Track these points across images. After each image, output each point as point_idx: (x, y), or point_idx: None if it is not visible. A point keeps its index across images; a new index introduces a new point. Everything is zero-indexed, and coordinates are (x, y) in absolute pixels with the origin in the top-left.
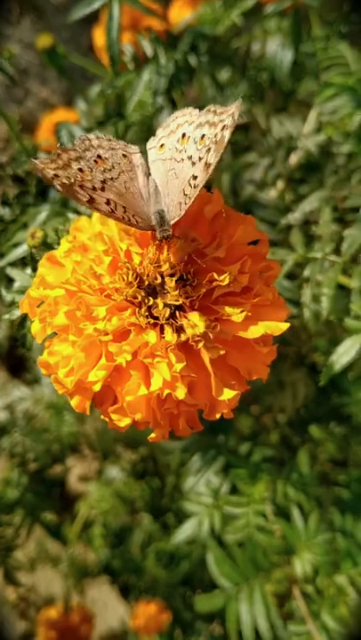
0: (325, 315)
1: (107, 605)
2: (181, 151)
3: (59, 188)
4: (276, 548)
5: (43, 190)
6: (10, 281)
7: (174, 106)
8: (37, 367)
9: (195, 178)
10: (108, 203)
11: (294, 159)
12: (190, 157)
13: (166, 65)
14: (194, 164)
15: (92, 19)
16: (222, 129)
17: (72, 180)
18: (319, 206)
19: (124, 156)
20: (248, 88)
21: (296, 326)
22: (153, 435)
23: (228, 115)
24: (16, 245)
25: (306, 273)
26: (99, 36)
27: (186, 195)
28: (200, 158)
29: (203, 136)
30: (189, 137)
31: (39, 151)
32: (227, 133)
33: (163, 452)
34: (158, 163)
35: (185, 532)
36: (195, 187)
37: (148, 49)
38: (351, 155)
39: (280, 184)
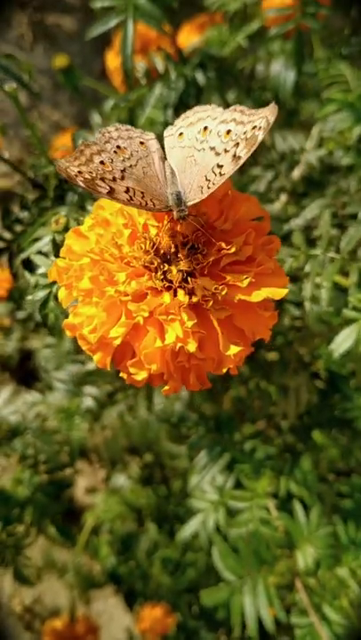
0: (325, 306)
1: (112, 617)
2: (203, 142)
3: (81, 183)
4: (278, 542)
5: (61, 195)
6: (32, 269)
7: None
8: (49, 376)
9: (220, 166)
10: (127, 191)
11: (297, 173)
12: (213, 148)
13: (176, 80)
14: (218, 154)
15: (105, 44)
16: (253, 128)
17: (94, 175)
18: (320, 213)
19: (140, 143)
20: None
21: (300, 327)
22: (166, 387)
23: (259, 117)
24: (36, 240)
25: (307, 269)
26: (111, 59)
27: (208, 180)
28: (226, 150)
29: (228, 131)
30: (212, 130)
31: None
32: (260, 133)
33: (170, 457)
34: (177, 150)
35: (190, 528)
36: (220, 174)
37: (159, 65)
38: (351, 167)
39: (283, 197)
